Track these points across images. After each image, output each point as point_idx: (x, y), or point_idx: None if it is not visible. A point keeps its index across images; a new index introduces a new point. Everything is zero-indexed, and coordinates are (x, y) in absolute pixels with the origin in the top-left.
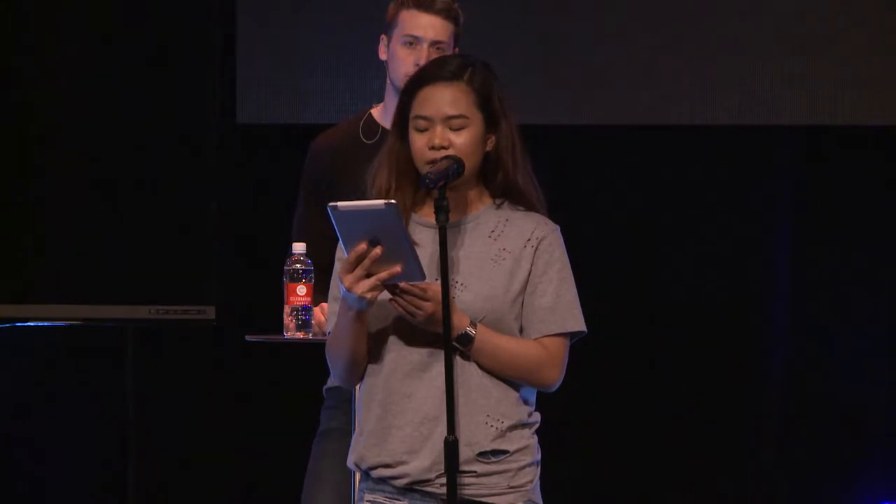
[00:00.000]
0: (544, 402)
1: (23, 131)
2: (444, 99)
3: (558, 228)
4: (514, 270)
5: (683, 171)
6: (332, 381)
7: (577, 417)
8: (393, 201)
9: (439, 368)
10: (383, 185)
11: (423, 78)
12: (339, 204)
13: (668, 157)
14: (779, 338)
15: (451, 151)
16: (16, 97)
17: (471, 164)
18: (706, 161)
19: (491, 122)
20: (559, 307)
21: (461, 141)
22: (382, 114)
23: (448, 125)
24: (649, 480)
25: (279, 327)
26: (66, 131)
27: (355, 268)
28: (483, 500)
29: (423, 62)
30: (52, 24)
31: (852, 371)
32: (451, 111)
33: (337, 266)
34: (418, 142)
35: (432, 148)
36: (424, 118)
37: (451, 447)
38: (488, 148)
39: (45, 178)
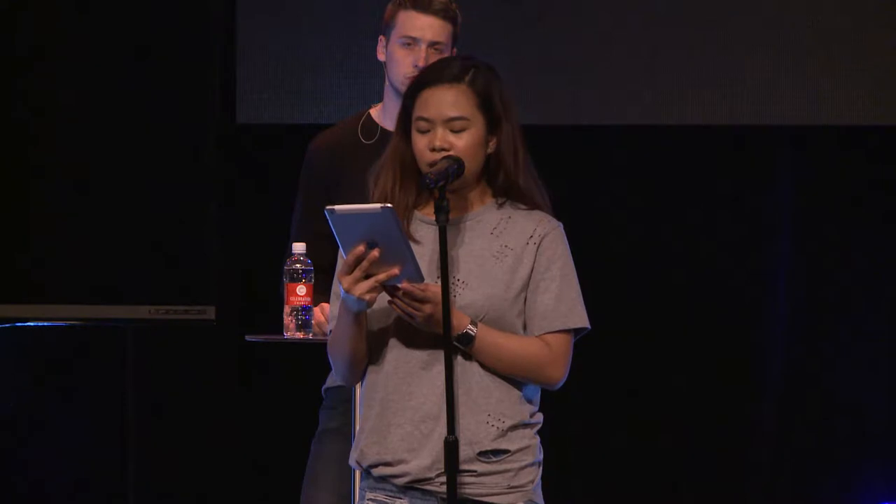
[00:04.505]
0: (545, 403)
1: (22, 131)
2: (445, 101)
3: (561, 226)
4: (515, 267)
5: (683, 171)
6: (330, 382)
7: (576, 417)
8: (389, 205)
9: (440, 367)
10: (387, 185)
11: (425, 80)
12: (336, 207)
13: (668, 157)
14: (779, 337)
15: (451, 153)
16: (15, 96)
17: (472, 165)
18: (706, 161)
19: (492, 123)
20: (562, 304)
21: (462, 143)
22: (381, 114)
23: (449, 127)
24: (648, 480)
25: (279, 327)
26: (65, 131)
27: (354, 269)
28: (483, 499)
29: (421, 63)
30: (51, 24)
31: (852, 371)
32: (452, 113)
33: (339, 265)
34: (420, 143)
35: (433, 150)
36: (425, 120)
37: (451, 447)
38: (490, 150)
39: (45, 178)
